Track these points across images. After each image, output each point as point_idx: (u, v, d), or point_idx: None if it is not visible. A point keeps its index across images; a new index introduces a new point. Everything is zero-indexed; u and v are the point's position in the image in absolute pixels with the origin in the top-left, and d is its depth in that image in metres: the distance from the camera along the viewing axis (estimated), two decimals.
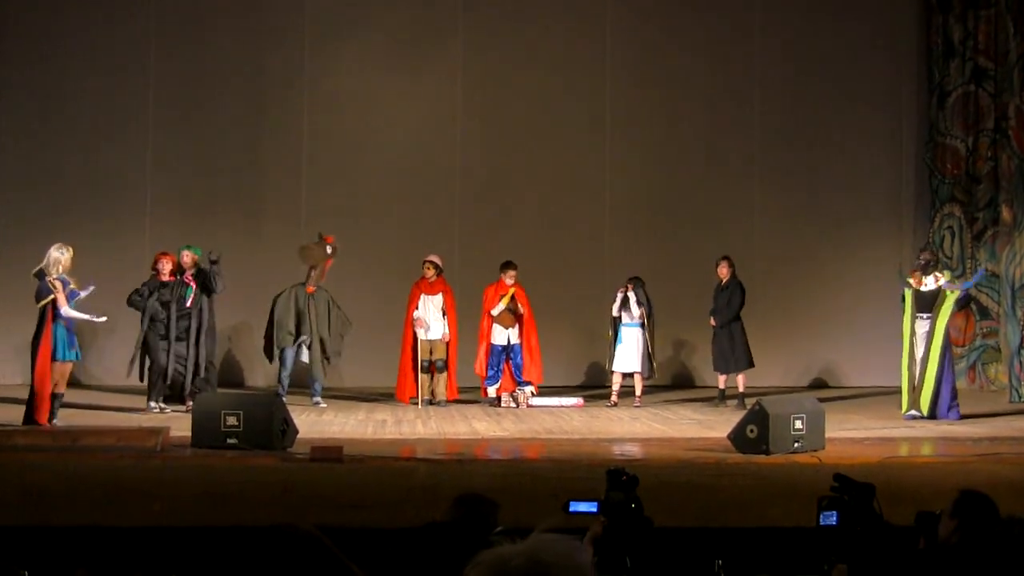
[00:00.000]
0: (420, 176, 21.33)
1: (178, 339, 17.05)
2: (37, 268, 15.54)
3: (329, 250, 18.32)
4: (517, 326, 18.55)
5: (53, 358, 15.30)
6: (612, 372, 18.79)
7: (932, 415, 16.77)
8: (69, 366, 15.62)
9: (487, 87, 21.55)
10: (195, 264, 17.26)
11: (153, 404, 16.94)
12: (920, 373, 16.88)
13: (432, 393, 18.53)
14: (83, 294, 15.66)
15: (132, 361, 17.21)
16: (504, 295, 18.51)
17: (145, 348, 17.07)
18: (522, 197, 21.33)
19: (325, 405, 18.12)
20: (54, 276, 15.36)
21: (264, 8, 21.37)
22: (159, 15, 21.17)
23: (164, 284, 17.09)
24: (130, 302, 17.12)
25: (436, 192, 21.38)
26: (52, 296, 15.30)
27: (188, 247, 17.39)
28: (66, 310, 15.30)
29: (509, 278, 18.51)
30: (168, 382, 17.05)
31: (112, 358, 18.88)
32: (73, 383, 16.41)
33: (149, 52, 21.13)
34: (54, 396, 15.42)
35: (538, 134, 21.41)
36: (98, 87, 20.90)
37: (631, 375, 18.64)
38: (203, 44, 21.22)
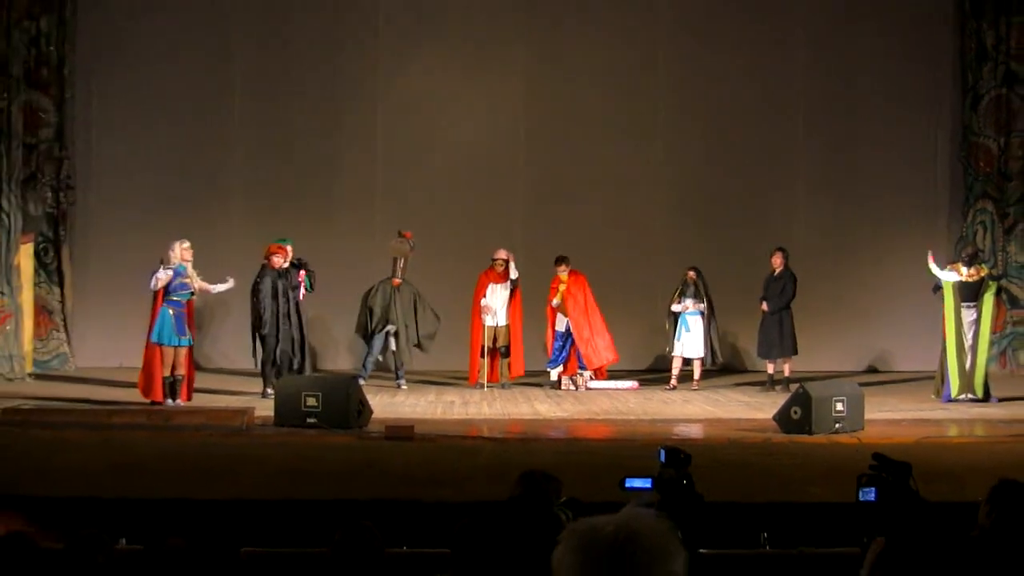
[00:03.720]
0: (486, 172, 21.34)
1: (291, 325, 17.08)
2: None
3: (409, 245, 18.41)
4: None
5: (160, 341, 15.52)
6: (672, 357, 18.77)
7: (986, 397, 16.77)
8: (182, 351, 15.74)
9: (548, 90, 21.50)
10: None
11: (271, 390, 16.17)
12: (971, 358, 16.86)
13: (496, 376, 18.63)
14: (217, 288, 16.18)
15: (255, 342, 17.14)
16: (557, 289, 18.61)
17: (262, 332, 17.00)
18: (581, 193, 21.26)
19: (406, 387, 18.23)
20: (164, 266, 15.60)
21: (342, 13, 21.39)
22: (244, 23, 21.26)
23: (280, 274, 17.00)
24: (258, 290, 17.08)
25: (501, 187, 21.36)
26: (155, 281, 15.60)
27: (288, 241, 17.43)
28: (152, 285, 15.60)
29: (560, 271, 18.59)
30: (281, 364, 16.94)
31: (227, 342, 18.96)
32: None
33: (235, 57, 21.24)
34: (167, 379, 15.58)
35: (596, 134, 21.34)
36: (189, 85, 21.01)
37: (689, 360, 18.66)
38: (285, 47, 21.27)
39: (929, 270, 17.12)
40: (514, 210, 21.31)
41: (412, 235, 18.45)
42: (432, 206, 21.04)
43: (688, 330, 18.52)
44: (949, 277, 16.97)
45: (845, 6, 21.62)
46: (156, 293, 15.67)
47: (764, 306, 18.37)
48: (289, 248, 17.25)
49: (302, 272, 17.21)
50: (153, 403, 15.47)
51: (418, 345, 18.49)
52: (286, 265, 17.05)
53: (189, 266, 15.76)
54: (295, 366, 16.87)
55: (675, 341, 18.64)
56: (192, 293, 15.83)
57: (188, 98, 21.06)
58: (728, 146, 21.44)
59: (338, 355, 21.08)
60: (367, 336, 18.40)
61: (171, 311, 15.55)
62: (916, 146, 21.64)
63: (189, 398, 15.91)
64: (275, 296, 16.87)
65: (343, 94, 21.44)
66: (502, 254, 18.64)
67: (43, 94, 20.24)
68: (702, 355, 18.61)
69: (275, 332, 16.84)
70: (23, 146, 19.75)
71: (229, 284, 16.38)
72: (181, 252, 15.73)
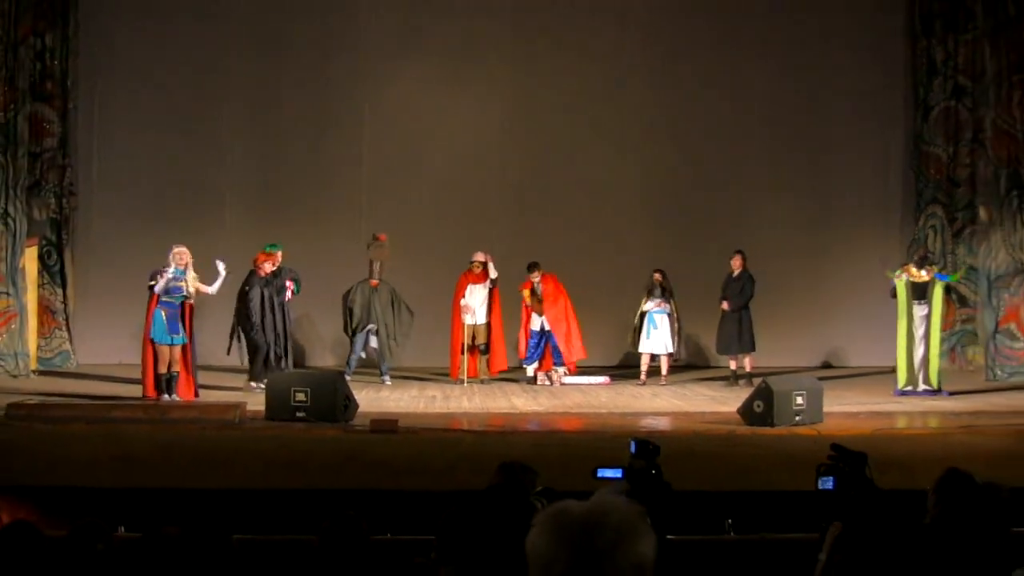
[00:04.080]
0: (468, 178, 21.29)
1: (276, 325, 17.15)
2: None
3: (386, 248, 18.44)
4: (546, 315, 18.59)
5: (153, 339, 15.48)
6: (642, 353, 18.75)
7: (938, 389, 16.89)
8: (176, 349, 15.62)
9: (524, 102, 21.49)
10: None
11: (255, 384, 16.80)
12: (924, 351, 16.99)
13: (476, 372, 18.62)
14: (216, 284, 16.02)
15: (232, 340, 17.43)
16: (525, 292, 18.59)
17: (251, 335, 17.13)
18: (557, 199, 21.27)
19: (391, 382, 18.20)
20: (162, 271, 15.56)
21: (331, 27, 21.32)
22: (236, 38, 21.22)
23: (267, 281, 17.19)
24: (247, 299, 17.19)
25: (482, 193, 21.33)
26: (152, 283, 15.56)
27: (278, 246, 17.52)
28: (156, 290, 15.54)
29: (533, 276, 18.55)
30: (271, 363, 17.09)
31: (211, 339, 18.89)
32: None
33: (228, 70, 21.20)
34: (162, 376, 15.50)
35: (571, 143, 21.33)
36: (184, 97, 20.96)
37: (657, 356, 18.65)
38: (276, 61, 21.21)
39: (887, 274, 17.36)
40: (494, 215, 21.27)
41: (386, 237, 18.48)
42: (416, 211, 21.01)
43: (656, 327, 18.51)
44: (902, 278, 17.16)
45: (807, 23, 21.63)
46: (153, 295, 15.64)
47: (725, 305, 18.41)
48: (278, 253, 17.34)
49: (289, 280, 17.39)
50: (147, 397, 15.43)
51: (395, 341, 18.51)
52: (274, 269, 17.21)
53: (189, 269, 15.72)
54: (283, 365, 16.99)
55: (643, 339, 18.64)
56: (186, 296, 15.75)
57: (183, 109, 21.02)
58: (694, 155, 21.45)
59: (324, 352, 21.08)
60: (352, 337, 18.44)
61: (164, 312, 15.50)
62: (871, 154, 21.74)
63: (196, 395, 15.85)
64: (262, 300, 17.05)
65: (331, 104, 21.40)
66: (479, 256, 18.64)
67: (47, 106, 20.18)
68: (670, 351, 18.61)
69: (262, 334, 17.00)
70: (28, 155, 19.68)
71: (222, 271, 16.27)
72: (176, 257, 15.68)
